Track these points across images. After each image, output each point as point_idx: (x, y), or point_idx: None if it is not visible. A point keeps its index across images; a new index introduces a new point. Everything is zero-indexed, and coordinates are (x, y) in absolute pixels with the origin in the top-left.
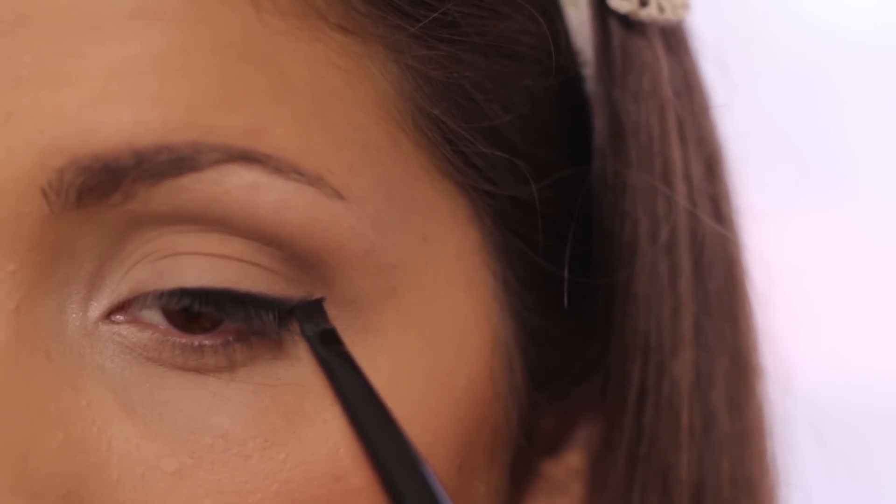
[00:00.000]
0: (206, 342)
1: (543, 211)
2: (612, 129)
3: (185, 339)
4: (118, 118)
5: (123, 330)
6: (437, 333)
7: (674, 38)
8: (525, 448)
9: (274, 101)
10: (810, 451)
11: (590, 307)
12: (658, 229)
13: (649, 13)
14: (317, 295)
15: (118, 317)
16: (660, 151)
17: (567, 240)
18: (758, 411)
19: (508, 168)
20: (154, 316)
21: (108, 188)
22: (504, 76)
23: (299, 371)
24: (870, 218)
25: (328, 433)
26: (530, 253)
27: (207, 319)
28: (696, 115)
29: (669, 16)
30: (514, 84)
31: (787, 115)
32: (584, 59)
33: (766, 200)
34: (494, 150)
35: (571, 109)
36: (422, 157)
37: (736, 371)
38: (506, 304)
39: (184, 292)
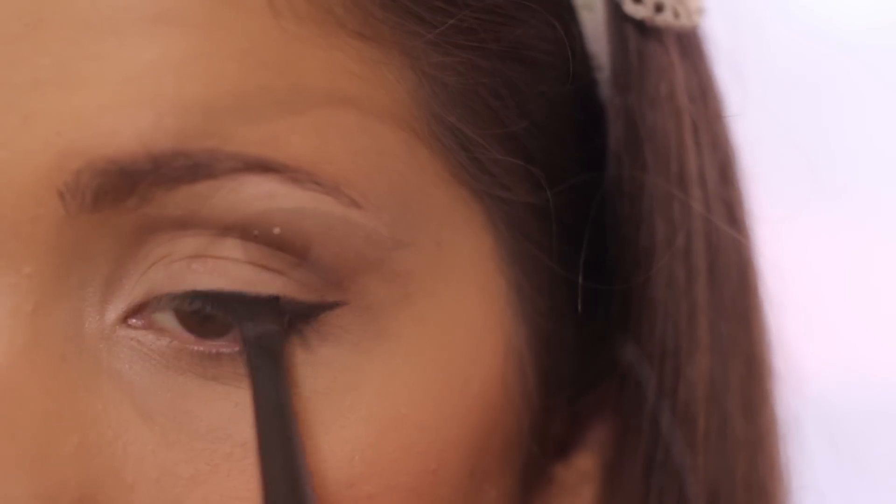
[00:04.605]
0: (224, 350)
1: (558, 217)
2: (627, 135)
3: (201, 346)
4: (136, 122)
5: (141, 336)
6: (451, 339)
7: (689, 44)
8: (536, 452)
9: (291, 109)
10: (823, 452)
11: (602, 312)
12: (674, 234)
13: (665, 19)
14: (330, 299)
15: (134, 320)
16: (676, 156)
17: (580, 245)
18: (771, 415)
19: (523, 174)
20: (168, 320)
21: (123, 192)
22: (520, 82)
23: (318, 377)
24: (881, 220)
25: (344, 440)
26: (544, 259)
27: (221, 323)
28: (710, 121)
29: (685, 21)
30: (529, 90)
31: (799, 119)
32: (599, 64)
33: (778, 205)
34: (509, 156)
35: (586, 115)
36: (437, 164)
37: (750, 375)
38: (519, 310)
39: (196, 295)
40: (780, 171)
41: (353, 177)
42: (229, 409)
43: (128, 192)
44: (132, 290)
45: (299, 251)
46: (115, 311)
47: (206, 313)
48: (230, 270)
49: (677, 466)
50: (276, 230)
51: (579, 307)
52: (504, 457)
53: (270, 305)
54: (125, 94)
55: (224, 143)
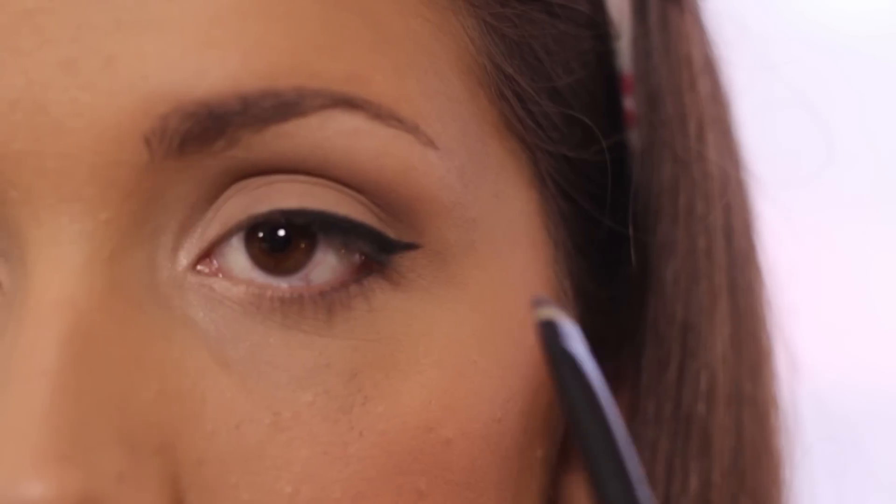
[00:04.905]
0: (305, 293)
1: (595, 176)
2: (650, 99)
3: (279, 289)
4: (224, 63)
5: (215, 284)
6: (510, 290)
7: (699, 11)
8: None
9: (372, 48)
10: (819, 440)
11: (626, 275)
12: (695, 199)
13: None
14: (406, 240)
15: (202, 266)
16: (694, 121)
17: (615, 206)
18: (773, 378)
19: (568, 130)
20: (239, 260)
21: (212, 135)
22: (566, 38)
23: (394, 323)
24: (886, 219)
25: (421, 385)
26: (584, 217)
27: (296, 256)
28: (719, 86)
29: None
30: (573, 47)
31: (800, 118)
32: (618, 32)
33: (780, 207)
34: (557, 110)
35: (610, 79)
36: (494, 115)
37: (757, 337)
38: (564, 268)
39: (280, 213)
40: (782, 172)
41: (428, 117)
42: (313, 359)
43: (216, 136)
44: (204, 233)
45: (382, 192)
46: (186, 257)
47: (282, 238)
48: (315, 192)
49: (701, 429)
50: (361, 167)
51: (633, 260)
52: (548, 418)
53: (353, 231)
54: (211, 35)
55: (311, 81)
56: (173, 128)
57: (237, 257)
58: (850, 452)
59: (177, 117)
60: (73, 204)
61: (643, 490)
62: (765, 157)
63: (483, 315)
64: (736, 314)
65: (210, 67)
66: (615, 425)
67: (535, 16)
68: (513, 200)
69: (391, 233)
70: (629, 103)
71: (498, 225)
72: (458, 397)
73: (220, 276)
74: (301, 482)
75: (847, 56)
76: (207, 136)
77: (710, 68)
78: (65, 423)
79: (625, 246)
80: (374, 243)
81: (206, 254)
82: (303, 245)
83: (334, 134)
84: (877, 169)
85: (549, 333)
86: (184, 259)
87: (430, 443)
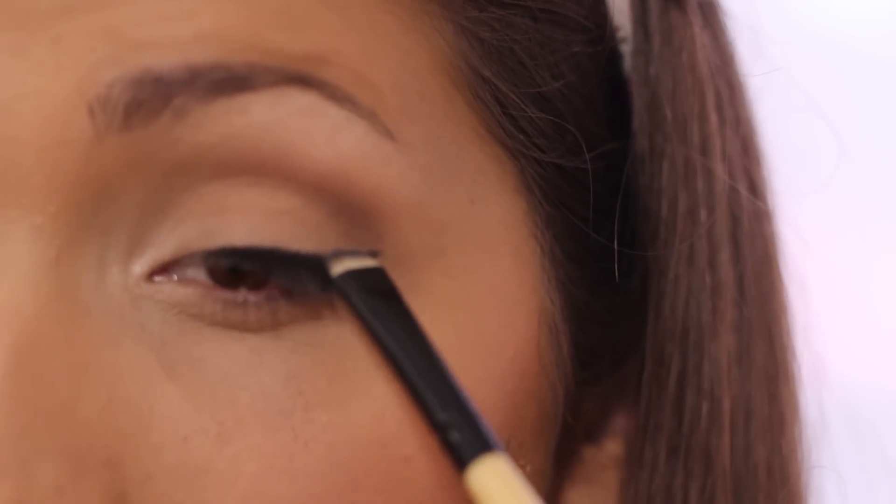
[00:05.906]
0: (251, 298)
1: (588, 184)
2: (651, 105)
3: (228, 294)
4: (175, 35)
5: (165, 287)
6: (484, 300)
7: (710, 13)
8: (570, 430)
9: (336, 33)
10: (845, 442)
11: (627, 286)
12: (697, 207)
13: None
14: (365, 248)
15: (160, 278)
16: (698, 128)
17: (610, 215)
18: (792, 395)
19: (557, 137)
20: (197, 273)
21: (157, 104)
22: (553, 42)
23: (342, 333)
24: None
25: (372, 398)
26: (576, 226)
27: (252, 279)
28: (732, 94)
29: None
30: (562, 51)
31: (805, 120)
32: (624, 36)
33: (790, 209)
34: (544, 116)
35: (614, 84)
36: (473, 119)
37: (772, 353)
38: (553, 277)
39: (232, 251)
40: (788, 173)
41: (392, 109)
42: (245, 355)
43: (161, 105)
44: (160, 246)
45: (339, 186)
46: (141, 266)
47: (239, 268)
48: (267, 225)
49: (703, 447)
50: (316, 153)
51: (616, 275)
52: (538, 430)
53: (303, 265)
54: (165, 9)
55: (265, 58)
56: (117, 95)
57: (195, 271)
58: (875, 458)
59: (122, 84)
60: (22, 195)
61: (472, 408)
62: (771, 162)
63: (450, 326)
64: (746, 329)
65: (160, 37)
66: (437, 358)
67: (517, 20)
68: (493, 207)
69: (346, 247)
70: None
71: (473, 232)
72: (414, 411)
73: (175, 281)
74: (249, 499)
75: (849, 57)
76: (153, 105)
77: (721, 74)
78: (3, 434)
79: (623, 255)
80: (324, 273)
81: (164, 268)
82: (259, 271)
83: (287, 114)
84: (881, 171)
85: (347, 288)
86: (138, 267)
87: (386, 459)
